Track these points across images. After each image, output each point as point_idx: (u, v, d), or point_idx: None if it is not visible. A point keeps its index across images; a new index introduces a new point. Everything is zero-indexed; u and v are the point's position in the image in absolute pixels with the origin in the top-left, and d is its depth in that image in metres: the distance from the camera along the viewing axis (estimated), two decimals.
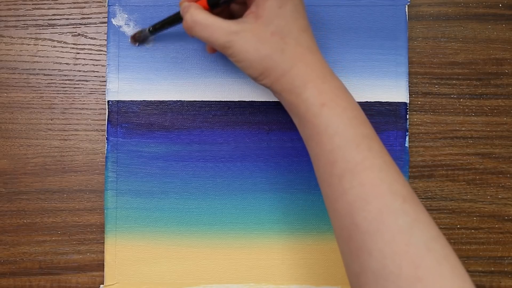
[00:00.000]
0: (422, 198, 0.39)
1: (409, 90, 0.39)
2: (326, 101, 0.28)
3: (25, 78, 0.39)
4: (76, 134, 0.39)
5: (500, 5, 0.40)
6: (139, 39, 0.38)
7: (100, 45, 0.39)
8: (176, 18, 0.34)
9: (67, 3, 0.40)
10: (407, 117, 0.39)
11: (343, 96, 0.29)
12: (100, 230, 0.39)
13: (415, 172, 0.39)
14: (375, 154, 0.28)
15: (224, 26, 0.29)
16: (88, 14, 0.40)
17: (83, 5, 0.40)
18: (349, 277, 0.29)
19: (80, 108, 0.39)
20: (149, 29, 0.37)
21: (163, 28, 0.36)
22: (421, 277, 0.25)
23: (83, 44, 0.39)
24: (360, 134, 0.28)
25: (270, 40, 0.29)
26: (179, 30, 0.39)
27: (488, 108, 0.40)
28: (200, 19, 0.30)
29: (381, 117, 0.38)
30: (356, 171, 0.27)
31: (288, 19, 0.29)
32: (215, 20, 0.29)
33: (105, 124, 0.39)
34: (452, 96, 0.40)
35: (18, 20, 0.39)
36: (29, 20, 0.39)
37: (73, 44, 0.39)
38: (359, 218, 0.27)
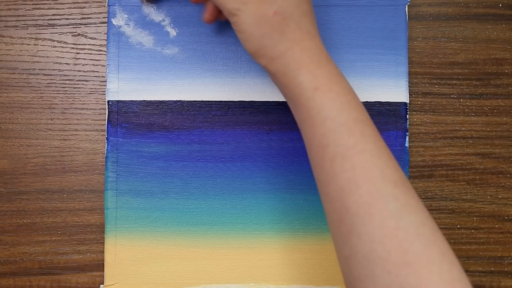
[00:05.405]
0: (422, 198, 0.39)
1: (409, 90, 0.39)
2: (319, 86, 0.29)
3: (25, 78, 0.39)
4: (76, 134, 0.39)
5: (500, 5, 0.40)
6: None
7: (100, 45, 0.39)
8: None
9: (67, 3, 0.40)
10: (407, 117, 0.39)
11: (337, 81, 0.29)
12: (100, 230, 0.39)
13: (415, 172, 0.39)
14: (368, 139, 0.28)
15: None
16: (88, 14, 0.40)
17: (83, 5, 0.40)
18: (340, 261, 0.29)
19: (80, 108, 0.39)
20: None
21: None
22: (409, 262, 0.25)
23: (83, 44, 0.39)
24: (353, 119, 0.28)
25: (271, 18, 0.29)
26: (180, 31, 0.39)
27: (488, 108, 0.40)
28: None
29: (381, 117, 0.38)
30: (347, 155, 0.27)
31: (292, 1, 0.29)
32: None
33: (105, 124, 0.39)
34: (452, 96, 0.40)
35: (18, 20, 0.39)
36: (29, 20, 0.39)
37: (73, 44, 0.39)
38: (349, 201, 0.27)
